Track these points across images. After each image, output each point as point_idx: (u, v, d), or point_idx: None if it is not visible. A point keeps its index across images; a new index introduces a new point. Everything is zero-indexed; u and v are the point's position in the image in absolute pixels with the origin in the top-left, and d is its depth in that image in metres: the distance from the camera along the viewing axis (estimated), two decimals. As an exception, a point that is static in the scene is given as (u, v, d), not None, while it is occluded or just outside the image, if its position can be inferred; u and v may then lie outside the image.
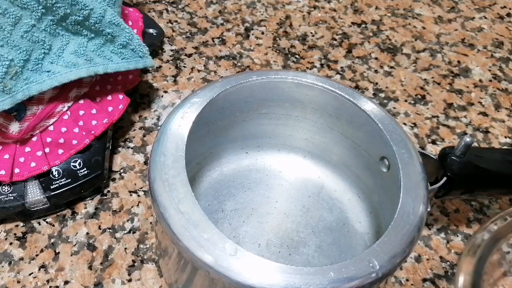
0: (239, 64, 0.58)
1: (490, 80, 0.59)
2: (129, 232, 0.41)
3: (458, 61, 0.61)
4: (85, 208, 0.43)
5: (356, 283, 0.26)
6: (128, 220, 0.42)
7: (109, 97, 0.45)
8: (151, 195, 0.30)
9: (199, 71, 0.56)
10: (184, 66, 0.57)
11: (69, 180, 0.41)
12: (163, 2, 0.65)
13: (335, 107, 0.39)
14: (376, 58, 0.60)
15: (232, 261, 0.26)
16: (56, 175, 0.41)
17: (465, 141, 0.34)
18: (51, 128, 0.42)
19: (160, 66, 0.56)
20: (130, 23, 0.47)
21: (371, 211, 0.41)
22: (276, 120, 0.42)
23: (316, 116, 0.41)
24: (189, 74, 0.56)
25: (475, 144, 0.51)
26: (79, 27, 0.40)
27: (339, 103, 0.38)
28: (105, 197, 0.44)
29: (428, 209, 0.31)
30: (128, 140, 0.48)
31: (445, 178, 0.35)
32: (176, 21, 0.62)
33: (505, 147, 0.52)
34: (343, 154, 0.42)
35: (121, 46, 0.43)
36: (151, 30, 0.56)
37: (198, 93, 0.36)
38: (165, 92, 0.53)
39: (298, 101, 0.40)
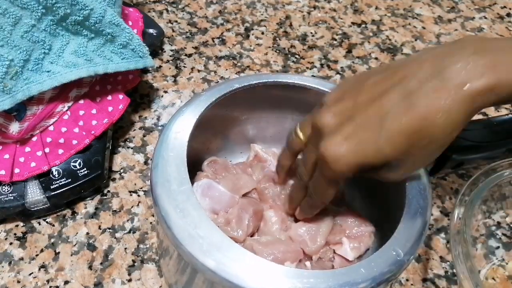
0: (239, 64, 0.58)
1: (490, 80, 0.59)
2: (129, 232, 0.41)
3: (458, 61, 0.61)
4: (85, 208, 0.43)
5: (387, 274, 0.27)
6: (128, 220, 0.42)
7: (109, 97, 0.45)
8: (164, 224, 0.29)
9: (199, 71, 0.56)
10: (184, 66, 0.57)
11: (69, 180, 0.41)
12: (163, 2, 0.65)
13: (316, 103, 0.39)
14: (376, 58, 0.60)
15: (270, 278, 0.26)
16: (56, 175, 0.41)
17: None
18: (51, 128, 0.42)
19: (160, 66, 0.56)
20: (130, 23, 0.47)
21: (363, 198, 0.41)
22: (257, 123, 0.42)
23: (296, 114, 0.41)
24: (189, 74, 0.56)
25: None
26: (79, 27, 0.40)
27: (319, 98, 0.38)
28: (105, 197, 0.44)
29: (431, 190, 0.32)
30: (128, 140, 0.48)
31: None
32: (176, 21, 0.62)
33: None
34: None
35: (121, 46, 0.43)
36: (151, 30, 0.56)
37: (184, 110, 0.35)
38: (165, 92, 0.53)
39: (278, 102, 0.40)
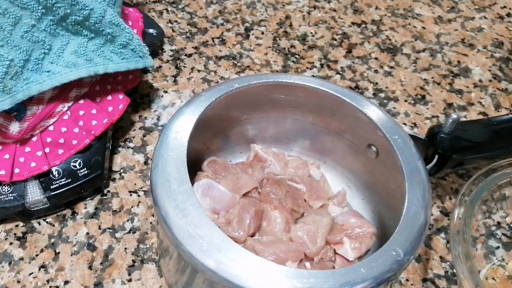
0: (239, 64, 0.58)
1: (490, 80, 0.59)
2: (129, 232, 0.41)
3: (458, 61, 0.61)
4: (85, 208, 0.43)
5: (387, 274, 0.27)
6: (128, 220, 0.42)
7: (109, 97, 0.45)
8: (164, 224, 0.29)
9: (199, 71, 0.56)
10: (184, 66, 0.57)
11: (69, 180, 0.41)
12: (163, 2, 0.65)
13: (315, 102, 0.39)
14: (376, 58, 0.60)
15: (270, 278, 0.26)
16: (56, 175, 0.41)
17: (453, 118, 0.35)
18: (51, 128, 0.42)
19: (160, 66, 0.56)
20: (130, 23, 0.47)
21: (363, 198, 0.41)
22: (256, 123, 0.42)
23: (297, 114, 0.41)
24: (189, 74, 0.56)
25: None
26: (79, 27, 0.40)
27: (319, 98, 0.38)
28: (105, 197, 0.44)
29: (431, 189, 0.32)
30: (128, 140, 0.48)
31: (437, 156, 0.36)
32: (176, 21, 0.62)
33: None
34: (327, 146, 0.42)
35: (121, 46, 0.43)
36: (151, 30, 0.56)
37: (184, 110, 0.35)
38: (165, 92, 0.53)
39: (277, 102, 0.40)
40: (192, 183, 0.36)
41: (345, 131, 0.40)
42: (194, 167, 0.39)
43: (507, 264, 0.42)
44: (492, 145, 0.39)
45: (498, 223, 0.45)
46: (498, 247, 0.43)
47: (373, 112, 0.36)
